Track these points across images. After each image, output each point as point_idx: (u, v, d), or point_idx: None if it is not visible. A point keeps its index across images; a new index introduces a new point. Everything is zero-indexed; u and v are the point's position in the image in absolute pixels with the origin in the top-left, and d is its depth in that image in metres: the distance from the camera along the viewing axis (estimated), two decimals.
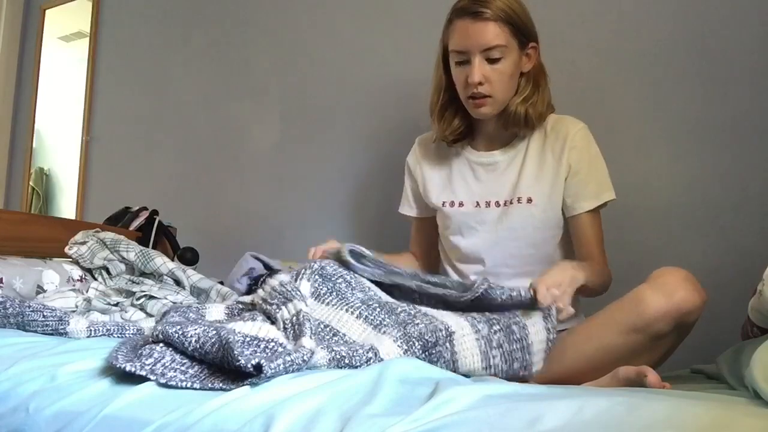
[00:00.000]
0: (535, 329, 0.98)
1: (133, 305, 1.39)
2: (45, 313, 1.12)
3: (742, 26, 1.47)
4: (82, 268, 1.60)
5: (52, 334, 1.09)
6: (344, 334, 0.99)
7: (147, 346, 0.87)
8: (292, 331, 0.95)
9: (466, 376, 0.92)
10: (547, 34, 1.32)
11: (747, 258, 1.19)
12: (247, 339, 0.86)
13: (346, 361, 0.87)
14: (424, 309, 1.03)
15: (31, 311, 1.11)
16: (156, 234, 2.04)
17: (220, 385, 0.78)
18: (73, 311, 1.30)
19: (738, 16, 1.48)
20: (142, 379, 0.78)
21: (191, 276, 1.52)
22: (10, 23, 3.08)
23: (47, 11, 3.10)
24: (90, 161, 2.82)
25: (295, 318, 0.97)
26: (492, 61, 1.23)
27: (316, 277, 1.10)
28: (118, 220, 2.08)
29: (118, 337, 1.10)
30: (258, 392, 0.71)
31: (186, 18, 2.57)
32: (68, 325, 1.10)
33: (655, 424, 0.57)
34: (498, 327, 0.97)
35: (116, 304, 1.42)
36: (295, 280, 1.08)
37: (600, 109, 1.60)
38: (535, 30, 1.29)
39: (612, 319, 1.01)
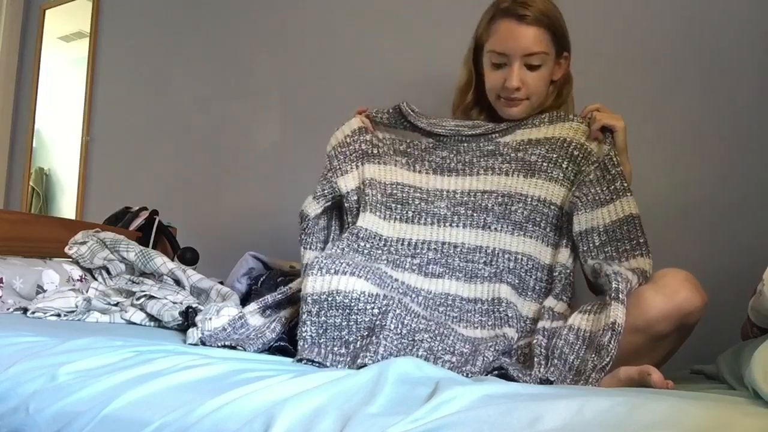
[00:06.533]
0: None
1: (133, 305, 1.39)
2: None
3: (742, 26, 1.47)
4: (82, 268, 1.60)
5: None
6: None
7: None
8: None
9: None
10: None
11: (747, 258, 1.19)
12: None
13: None
14: None
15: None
16: (156, 234, 2.04)
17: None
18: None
19: (738, 17, 1.47)
20: (142, 379, 0.78)
21: (191, 276, 1.51)
22: (10, 23, 3.08)
23: (47, 11, 3.09)
24: (90, 161, 2.82)
25: None
26: (531, 67, 1.23)
27: None
28: (118, 220, 2.08)
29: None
30: (258, 392, 0.71)
31: (186, 18, 2.57)
32: None
33: (655, 424, 0.57)
34: None
35: (116, 304, 1.42)
36: None
37: None
38: (569, 39, 1.28)
39: None
